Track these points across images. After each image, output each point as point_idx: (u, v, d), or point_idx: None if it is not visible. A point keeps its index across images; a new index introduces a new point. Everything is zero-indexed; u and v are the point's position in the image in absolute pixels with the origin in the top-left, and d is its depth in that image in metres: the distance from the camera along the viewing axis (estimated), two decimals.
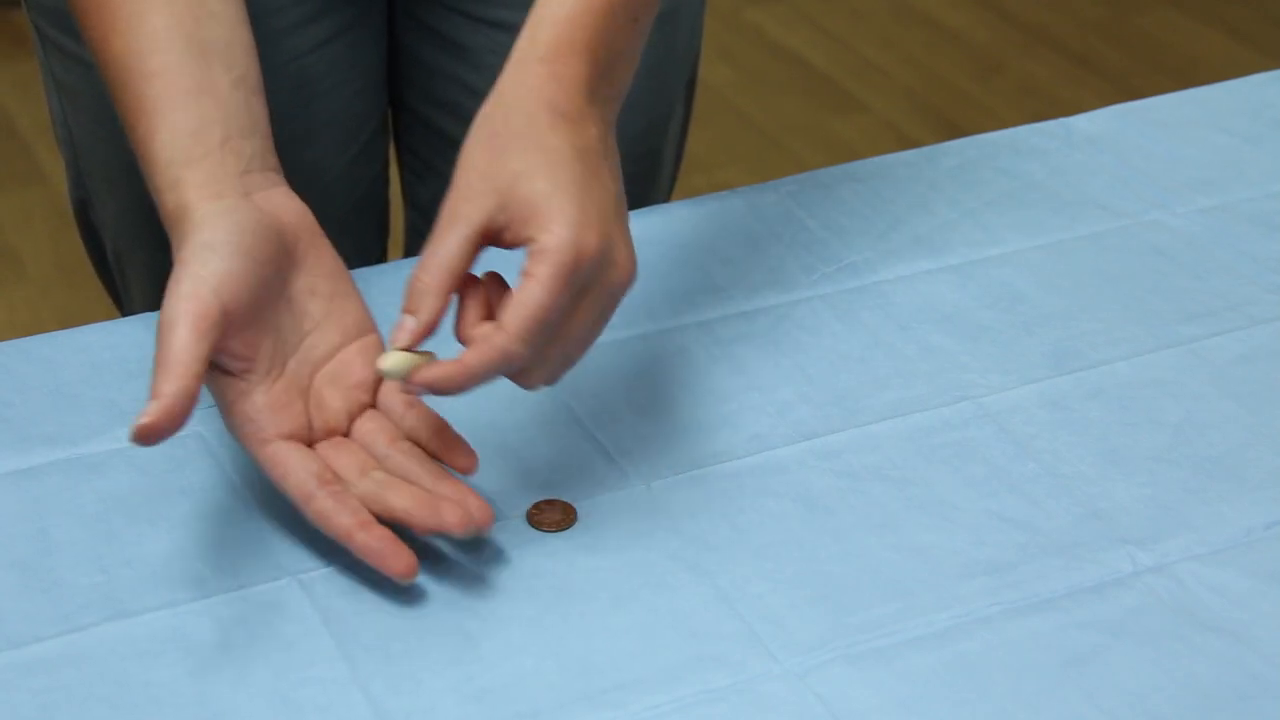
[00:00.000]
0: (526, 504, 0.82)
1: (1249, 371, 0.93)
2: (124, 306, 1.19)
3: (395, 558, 0.75)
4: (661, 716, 0.72)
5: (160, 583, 0.78)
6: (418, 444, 0.80)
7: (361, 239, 1.16)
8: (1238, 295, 0.99)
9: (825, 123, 2.72)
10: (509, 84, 0.78)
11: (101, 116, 1.08)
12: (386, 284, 0.90)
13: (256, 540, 0.80)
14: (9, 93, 2.71)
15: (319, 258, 0.81)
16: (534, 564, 0.79)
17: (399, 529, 0.76)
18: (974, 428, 0.88)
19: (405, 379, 0.75)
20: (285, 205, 0.81)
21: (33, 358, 0.90)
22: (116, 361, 0.90)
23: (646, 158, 1.16)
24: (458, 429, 0.80)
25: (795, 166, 2.55)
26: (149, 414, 0.72)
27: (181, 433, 0.85)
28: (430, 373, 0.74)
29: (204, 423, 0.86)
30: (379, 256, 1.21)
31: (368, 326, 0.82)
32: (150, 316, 0.94)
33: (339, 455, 0.78)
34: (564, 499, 0.83)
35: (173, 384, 0.73)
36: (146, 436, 0.72)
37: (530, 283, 0.73)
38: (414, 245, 1.21)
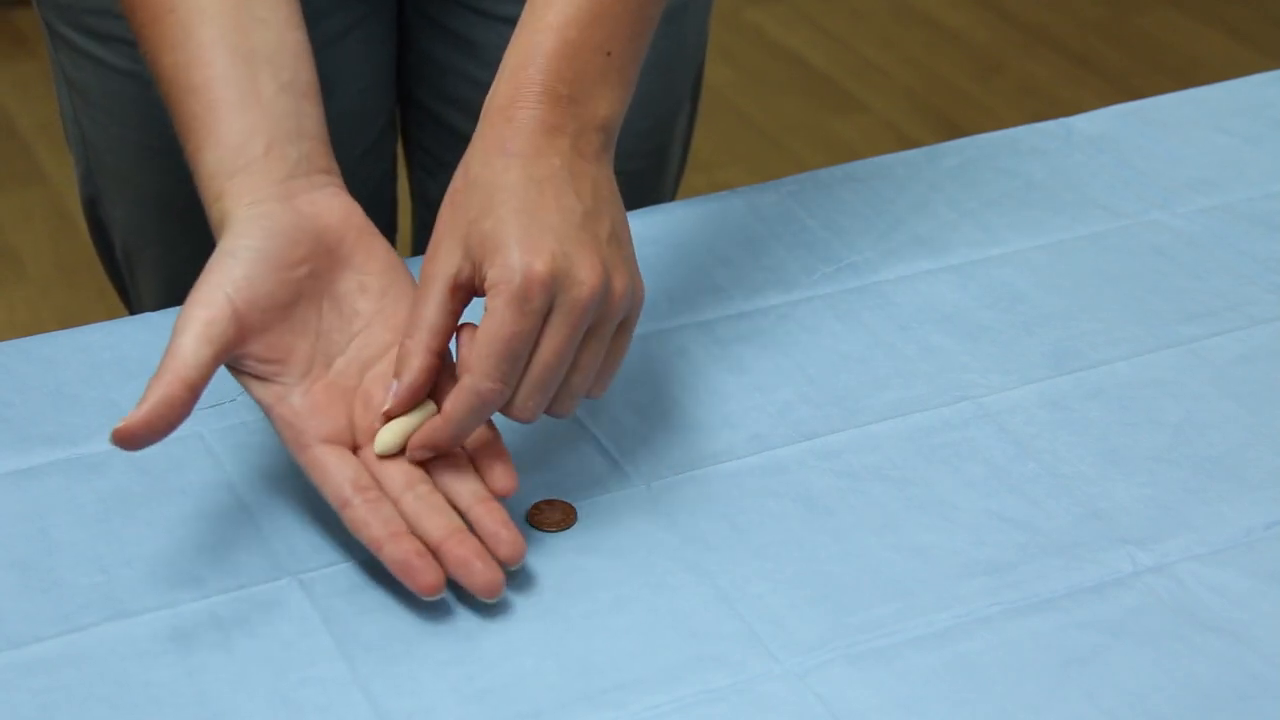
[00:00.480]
0: (526, 504, 0.82)
1: (1249, 371, 0.93)
2: (132, 304, 1.19)
3: (422, 573, 0.74)
4: (661, 716, 0.72)
5: (160, 583, 0.78)
6: (467, 453, 0.80)
7: None
8: (1238, 295, 0.99)
9: (825, 123, 2.72)
10: (474, 141, 0.80)
11: (112, 113, 1.08)
12: None
13: (256, 540, 0.80)
14: (9, 93, 2.71)
15: (369, 255, 0.81)
16: (534, 564, 0.79)
17: None
18: (974, 428, 0.88)
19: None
20: (329, 206, 0.80)
21: (33, 358, 0.91)
22: (116, 361, 0.90)
23: (653, 154, 1.17)
24: None
25: (795, 166, 2.55)
26: (127, 418, 0.73)
27: (181, 433, 0.85)
28: (421, 435, 0.76)
29: (204, 423, 0.86)
30: None
31: None
32: (151, 316, 0.94)
33: (385, 463, 0.78)
34: (564, 499, 0.83)
35: (158, 390, 0.73)
36: (123, 441, 0.73)
37: (487, 318, 0.75)
38: (422, 242, 1.21)
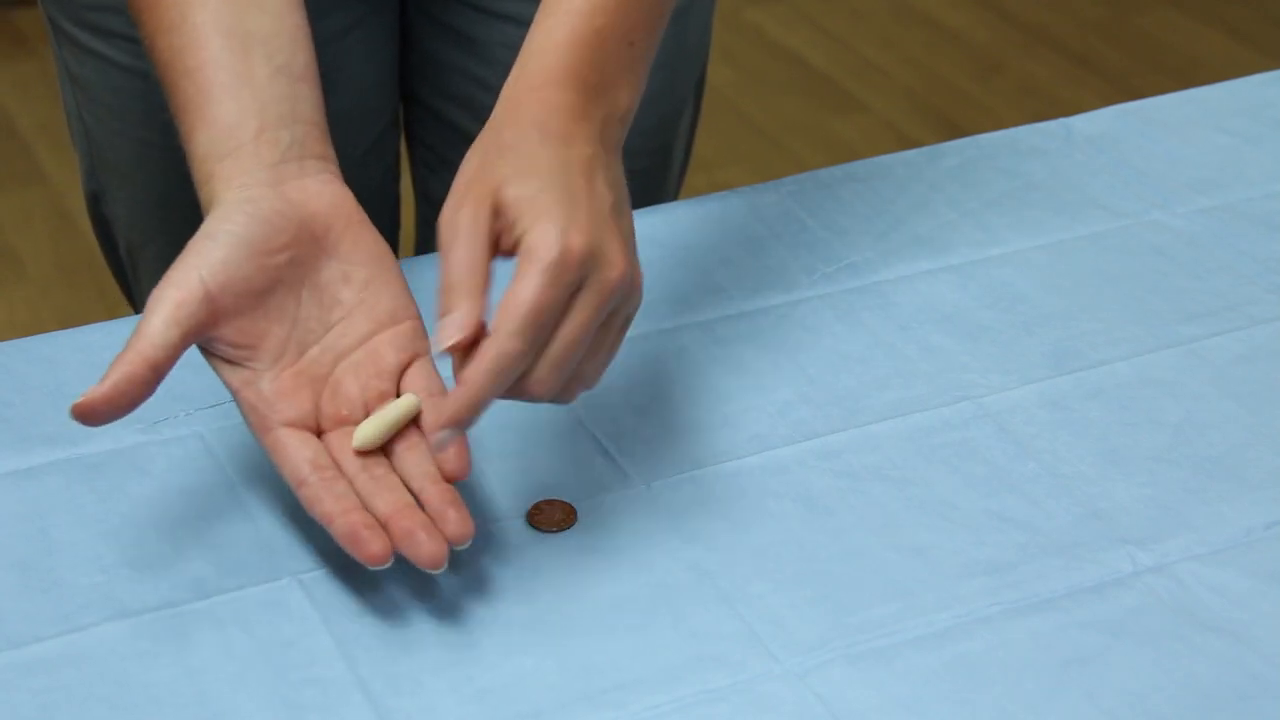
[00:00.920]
0: (526, 504, 0.82)
1: (1249, 371, 0.93)
2: (135, 301, 1.19)
3: (368, 543, 0.73)
4: (661, 716, 0.72)
5: (160, 583, 0.78)
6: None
7: None
8: (1238, 295, 0.99)
9: (825, 123, 2.72)
10: (500, 111, 0.79)
11: (115, 109, 1.08)
12: None
13: (256, 540, 0.80)
14: (9, 93, 2.71)
15: (356, 244, 0.81)
16: (534, 564, 0.79)
17: None
18: (974, 428, 0.88)
19: (429, 430, 0.76)
20: (319, 193, 0.80)
21: (33, 358, 0.91)
22: None
23: (658, 153, 1.17)
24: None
25: (795, 166, 2.55)
26: (87, 393, 0.73)
27: (181, 432, 0.85)
28: (443, 413, 0.74)
29: (204, 423, 0.86)
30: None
31: (404, 313, 0.80)
32: None
33: (344, 444, 0.78)
34: (564, 499, 0.83)
35: (121, 368, 0.73)
36: (83, 416, 0.73)
37: (519, 281, 0.73)
38: (425, 240, 1.22)
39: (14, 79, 2.74)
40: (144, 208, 1.12)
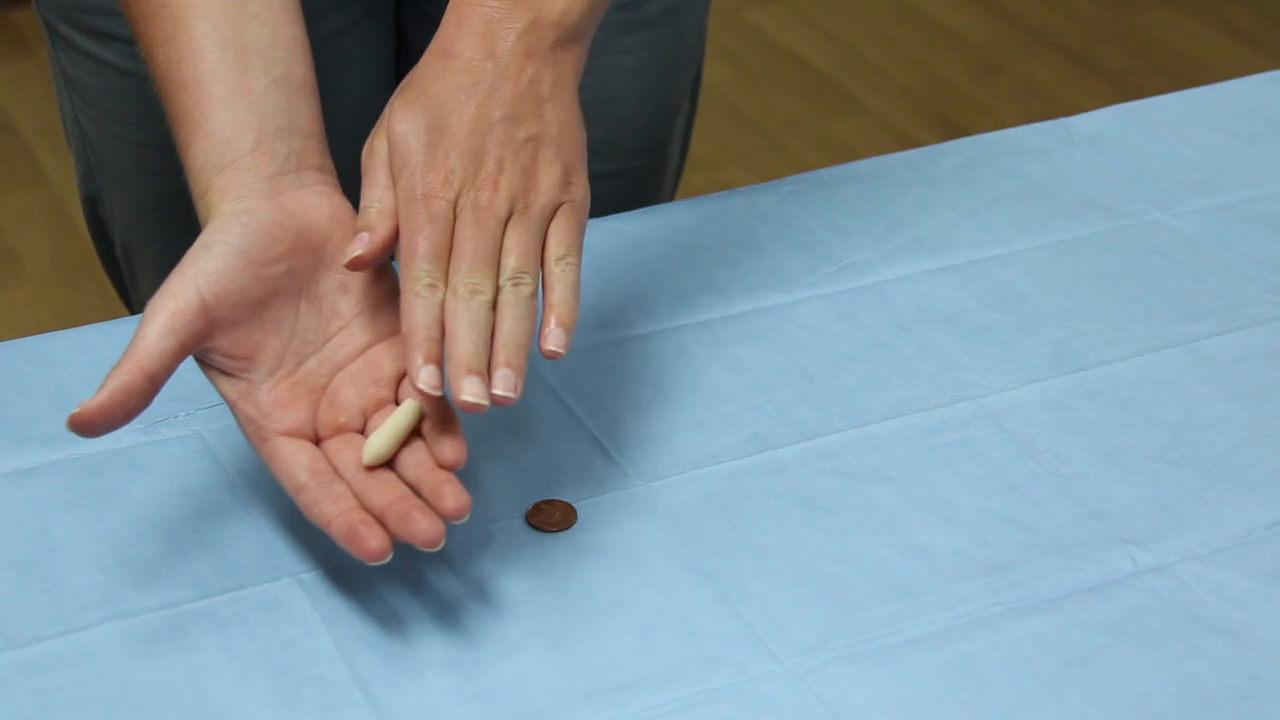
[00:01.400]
0: (526, 504, 0.82)
1: (1249, 371, 0.93)
2: (131, 303, 1.19)
3: (366, 539, 0.72)
4: (661, 716, 0.72)
5: (160, 583, 0.78)
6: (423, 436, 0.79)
7: None
8: (1238, 295, 0.99)
9: (825, 123, 2.72)
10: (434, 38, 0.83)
11: (111, 112, 1.08)
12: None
13: (256, 540, 0.80)
14: (9, 93, 2.71)
15: None
16: (534, 564, 0.79)
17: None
18: (974, 428, 0.88)
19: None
20: (317, 204, 0.80)
21: (33, 358, 0.91)
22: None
23: (653, 153, 1.17)
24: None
25: (795, 166, 2.55)
26: (83, 404, 0.73)
27: (181, 432, 0.85)
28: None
29: (204, 423, 0.86)
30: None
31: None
32: None
33: (342, 449, 0.78)
34: (564, 499, 0.83)
35: (118, 379, 0.73)
36: (79, 427, 0.73)
37: (399, 225, 0.78)
38: None
39: (14, 79, 2.74)
40: (140, 210, 1.12)
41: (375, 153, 0.80)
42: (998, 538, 0.82)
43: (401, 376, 0.79)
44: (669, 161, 1.20)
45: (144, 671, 0.73)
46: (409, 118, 0.79)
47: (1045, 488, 0.85)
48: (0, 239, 2.40)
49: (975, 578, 0.79)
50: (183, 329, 0.75)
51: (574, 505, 0.82)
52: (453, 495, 0.74)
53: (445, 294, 0.76)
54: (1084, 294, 0.99)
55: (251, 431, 0.77)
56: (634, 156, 1.15)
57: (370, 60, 1.11)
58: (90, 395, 0.73)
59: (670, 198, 1.23)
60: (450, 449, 0.76)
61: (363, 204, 0.79)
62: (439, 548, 0.73)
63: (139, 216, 1.12)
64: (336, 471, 0.76)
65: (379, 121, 0.81)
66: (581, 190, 0.81)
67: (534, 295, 0.77)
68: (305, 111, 0.82)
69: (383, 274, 0.81)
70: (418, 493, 0.75)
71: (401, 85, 0.82)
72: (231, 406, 0.77)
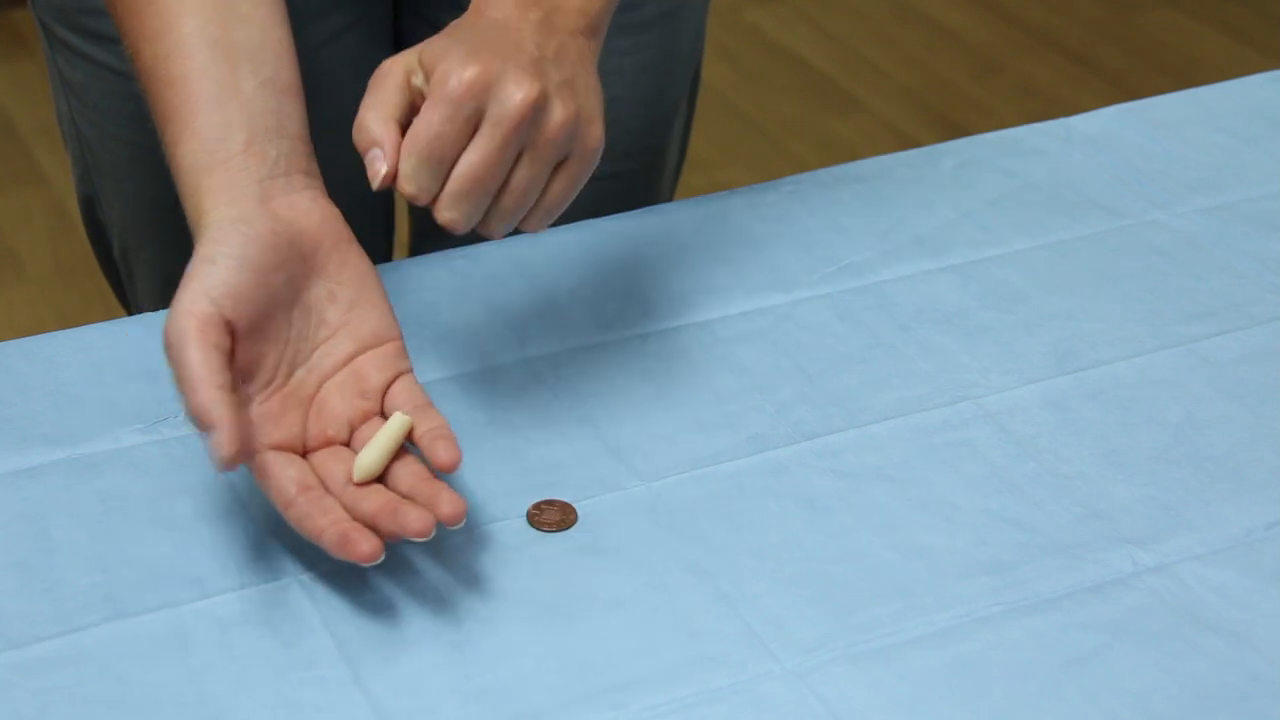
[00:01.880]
0: (526, 504, 0.82)
1: (1249, 371, 0.93)
2: (129, 304, 1.19)
3: (358, 543, 0.73)
4: (661, 716, 0.72)
5: (160, 583, 0.77)
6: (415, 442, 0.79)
7: (366, 238, 1.15)
8: (1238, 295, 0.99)
9: (825, 123, 2.72)
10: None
11: (108, 113, 1.08)
12: (391, 284, 0.90)
13: (256, 540, 0.80)
14: (9, 93, 2.71)
15: (343, 263, 0.81)
16: (534, 564, 0.79)
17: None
18: (974, 428, 0.88)
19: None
20: (307, 210, 0.80)
21: (33, 358, 0.90)
22: (116, 361, 0.90)
23: (651, 154, 1.17)
24: (457, 428, 0.80)
25: (795, 166, 2.55)
26: (220, 448, 0.72)
27: (181, 432, 0.85)
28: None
29: None
30: (384, 256, 1.21)
31: (388, 334, 0.81)
32: (151, 317, 0.94)
33: (329, 463, 0.77)
34: (564, 499, 0.83)
35: (221, 410, 0.72)
36: (231, 464, 0.73)
37: (415, 120, 0.77)
38: (419, 244, 1.21)
39: (14, 79, 2.74)
40: (137, 211, 1.12)
41: (387, 73, 0.79)
42: (998, 538, 0.82)
43: (387, 387, 0.80)
44: (667, 162, 1.20)
45: (144, 671, 0.73)
46: (448, 36, 0.79)
47: (1045, 488, 0.85)
48: (0, 239, 2.40)
49: (975, 578, 0.79)
50: (220, 342, 0.74)
51: (574, 505, 0.82)
52: (449, 501, 0.74)
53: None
54: (1084, 294, 0.99)
55: None
56: (632, 158, 1.14)
57: (368, 62, 1.10)
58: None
59: (669, 198, 1.22)
60: (445, 452, 0.76)
61: (360, 118, 0.78)
62: (430, 537, 0.73)
63: (136, 218, 1.12)
64: (325, 486, 0.76)
65: (397, 56, 0.80)
66: (596, 141, 0.81)
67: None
68: (293, 114, 0.82)
69: (369, 281, 0.81)
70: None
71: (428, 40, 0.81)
72: None
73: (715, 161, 2.56)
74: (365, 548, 0.73)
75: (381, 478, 0.77)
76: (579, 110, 0.79)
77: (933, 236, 1.03)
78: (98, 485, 0.83)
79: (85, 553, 0.79)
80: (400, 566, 0.78)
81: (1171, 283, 1.00)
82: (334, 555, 0.74)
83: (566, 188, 0.80)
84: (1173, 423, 0.89)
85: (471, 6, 0.81)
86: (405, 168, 0.76)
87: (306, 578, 0.78)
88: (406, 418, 0.77)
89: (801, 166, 2.54)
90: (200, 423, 0.73)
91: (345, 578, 0.78)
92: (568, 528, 0.81)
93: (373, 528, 0.74)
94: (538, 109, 0.77)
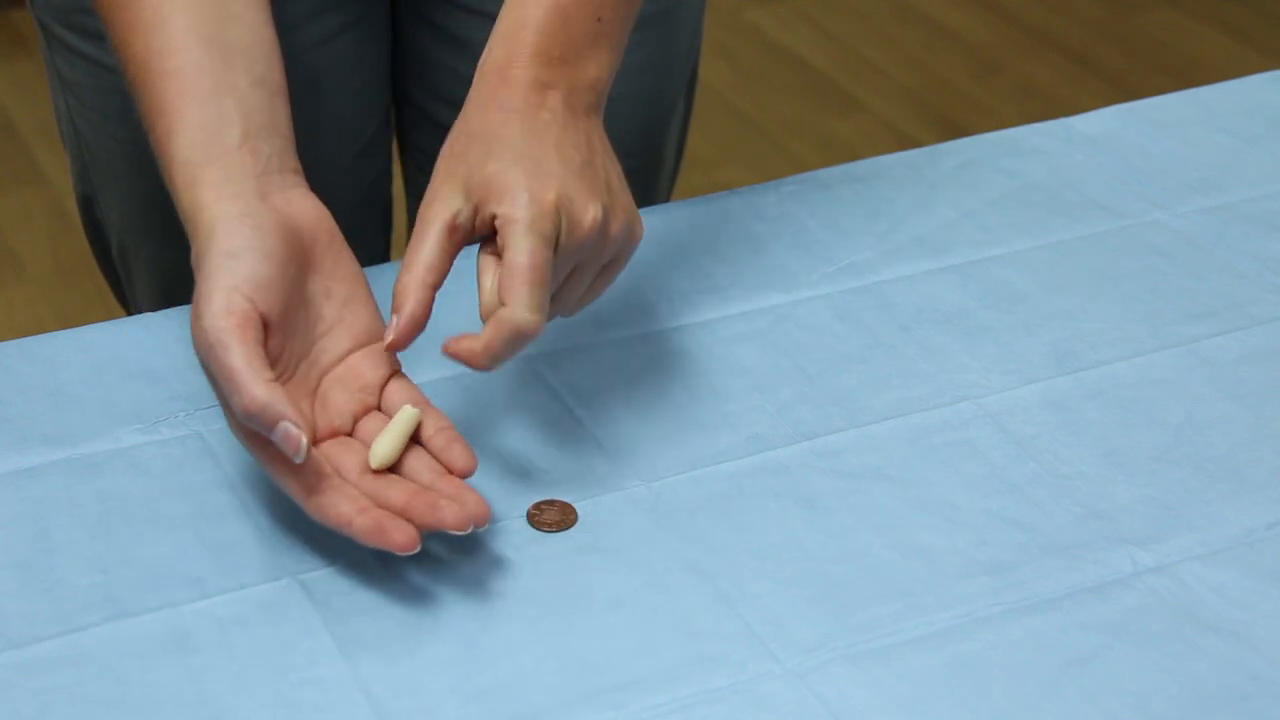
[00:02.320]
0: (526, 504, 0.82)
1: (1249, 371, 0.93)
2: (128, 303, 1.19)
3: (395, 532, 0.74)
4: (661, 716, 0.72)
5: (160, 583, 0.77)
6: (420, 443, 0.80)
7: (365, 236, 1.16)
8: (1238, 295, 0.99)
9: (825, 123, 2.72)
10: (469, 99, 0.83)
11: (106, 112, 1.08)
12: (389, 282, 0.90)
13: (256, 540, 0.80)
14: (9, 93, 2.71)
15: (337, 261, 0.81)
16: (534, 564, 0.79)
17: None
18: (974, 428, 0.88)
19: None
20: (303, 207, 0.81)
21: (33, 358, 0.90)
22: (116, 361, 0.90)
23: (648, 154, 1.17)
24: (459, 428, 0.80)
25: (795, 166, 2.55)
26: (296, 436, 0.73)
27: (181, 432, 0.86)
28: (460, 345, 0.77)
29: (204, 423, 0.86)
30: (382, 254, 1.21)
31: (378, 334, 0.82)
32: (151, 317, 0.94)
33: (341, 453, 0.78)
34: (564, 499, 0.83)
35: (282, 404, 0.73)
36: (307, 453, 0.74)
37: (508, 252, 0.77)
38: None
39: (14, 79, 2.73)
40: (136, 210, 1.12)
41: (430, 221, 0.79)
42: (998, 538, 0.82)
43: (384, 383, 0.81)
44: (665, 162, 1.20)
45: (144, 671, 0.73)
46: (490, 158, 0.79)
47: (1045, 488, 0.85)
48: (0, 239, 2.40)
49: (975, 578, 0.79)
50: (260, 338, 0.75)
51: (574, 505, 0.82)
52: (475, 501, 0.76)
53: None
54: (1084, 294, 0.99)
55: (247, 435, 0.77)
56: (629, 157, 1.14)
57: (366, 61, 1.11)
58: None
59: (667, 198, 1.22)
60: (461, 458, 0.78)
61: (399, 281, 0.79)
62: (469, 531, 0.75)
63: (134, 217, 1.12)
64: (340, 474, 0.77)
65: (431, 187, 0.80)
66: (638, 235, 0.84)
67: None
68: (283, 115, 0.83)
69: (359, 280, 0.82)
70: None
71: (453, 140, 0.81)
72: (232, 412, 0.77)
73: (715, 161, 2.56)
74: (400, 537, 0.74)
75: (395, 468, 0.78)
76: (628, 218, 0.82)
77: (933, 236, 1.03)
78: (98, 485, 0.83)
79: (85, 553, 0.79)
80: (400, 566, 0.78)
81: (1171, 283, 1.00)
82: (363, 543, 0.74)
83: (608, 283, 0.84)
84: (1173, 423, 0.89)
85: (481, 97, 0.82)
86: (524, 298, 0.76)
87: (307, 577, 0.78)
88: (416, 410, 0.78)
89: (801, 166, 2.54)
90: (260, 420, 0.73)
91: (345, 578, 0.78)
92: (568, 528, 0.81)
93: (405, 518, 0.75)
94: (600, 231, 0.80)
